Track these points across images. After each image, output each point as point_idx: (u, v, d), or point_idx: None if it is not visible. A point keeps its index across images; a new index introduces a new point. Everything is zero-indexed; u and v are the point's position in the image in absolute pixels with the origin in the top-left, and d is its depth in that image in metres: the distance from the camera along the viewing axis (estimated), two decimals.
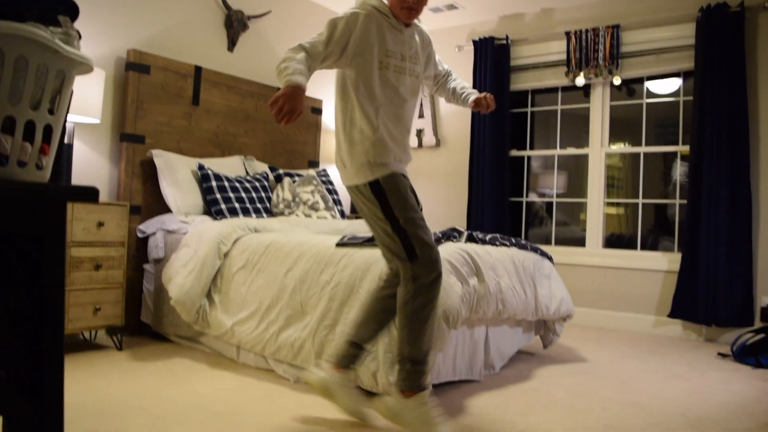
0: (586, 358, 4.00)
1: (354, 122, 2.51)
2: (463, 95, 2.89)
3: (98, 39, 4.10)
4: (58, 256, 1.19)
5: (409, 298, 2.39)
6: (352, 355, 2.61)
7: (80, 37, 1.29)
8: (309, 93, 5.73)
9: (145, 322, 4.09)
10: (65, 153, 3.57)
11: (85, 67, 1.28)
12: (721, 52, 4.76)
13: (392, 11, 2.53)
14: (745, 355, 4.05)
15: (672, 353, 4.28)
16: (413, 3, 2.49)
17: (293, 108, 2.22)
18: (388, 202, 2.45)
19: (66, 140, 3.53)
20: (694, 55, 4.96)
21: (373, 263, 2.96)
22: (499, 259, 3.36)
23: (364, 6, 2.52)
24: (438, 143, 6.31)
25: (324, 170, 5.31)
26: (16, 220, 1.13)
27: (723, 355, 4.21)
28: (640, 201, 5.45)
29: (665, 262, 5.12)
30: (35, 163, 1.20)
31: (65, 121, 1.31)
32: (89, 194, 1.11)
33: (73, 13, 1.27)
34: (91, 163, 4.09)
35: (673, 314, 4.89)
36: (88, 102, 3.68)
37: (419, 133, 6.37)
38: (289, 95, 2.22)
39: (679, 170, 5.30)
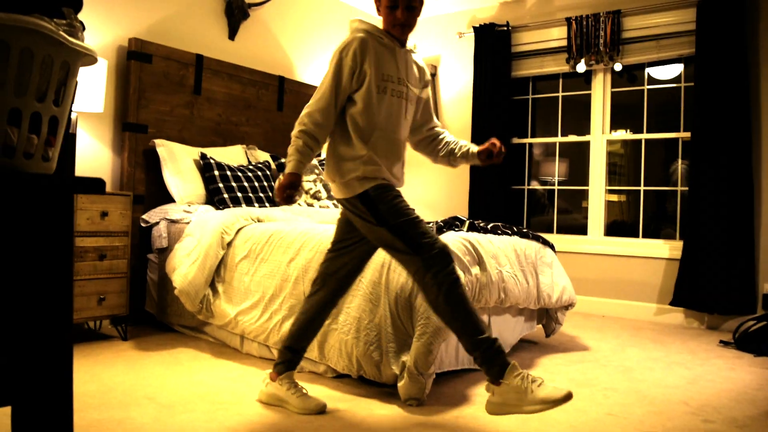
0: (588, 347, 4.02)
1: (347, 142, 2.49)
2: (465, 148, 2.75)
3: (100, 28, 4.09)
4: (66, 246, 1.19)
5: (435, 293, 2.34)
6: (290, 360, 2.66)
7: (84, 28, 1.30)
8: (311, 81, 5.72)
9: (149, 312, 4.10)
10: (69, 144, 3.57)
11: (90, 59, 1.28)
12: (722, 37, 4.74)
13: (386, 30, 2.51)
14: (746, 342, 4.07)
15: (674, 341, 4.29)
16: (404, 19, 2.45)
17: (293, 193, 2.45)
18: (378, 209, 2.45)
19: (69, 130, 3.53)
20: (695, 41, 4.95)
21: (375, 252, 2.96)
22: (501, 248, 3.37)
23: (356, 33, 2.48)
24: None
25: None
26: (24, 211, 1.13)
27: (725, 343, 4.22)
28: (642, 188, 5.45)
29: (667, 249, 5.13)
30: (41, 154, 1.21)
31: (70, 112, 1.31)
32: (96, 186, 1.11)
33: (77, 5, 1.27)
34: (94, 153, 4.09)
35: (674, 302, 4.90)
36: (90, 91, 3.68)
37: None
38: (290, 185, 2.43)
39: (679, 170, 5.29)
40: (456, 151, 2.75)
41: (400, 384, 2.68)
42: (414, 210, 2.49)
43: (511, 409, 2.27)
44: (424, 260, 2.36)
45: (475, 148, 2.71)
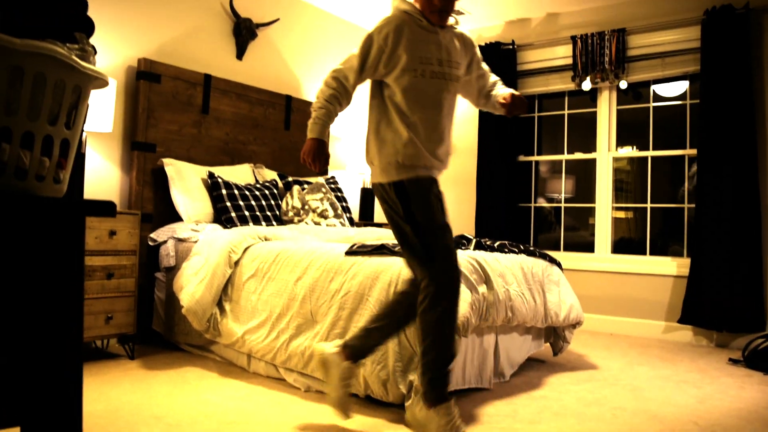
0: (596, 365, 4.00)
1: (388, 124, 2.54)
2: (493, 95, 2.80)
3: (110, 49, 4.14)
4: (77, 268, 1.20)
5: (428, 304, 2.38)
6: (362, 348, 2.61)
7: (96, 52, 1.32)
8: None
9: (157, 331, 4.10)
10: (78, 164, 3.60)
11: (101, 82, 1.30)
12: (727, 54, 4.76)
13: (424, 14, 2.52)
14: (756, 360, 4.04)
15: (683, 359, 4.27)
16: (442, 5, 2.46)
17: (317, 158, 2.52)
18: (410, 206, 2.47)
19: (80, 150, 3.56)
20: (700, 58, 4.96)
21: (382, 272, 2.97)
22: (508, 266, 3.37)
23: (395, 13, 2.52)
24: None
25: (333, 177, 5.33)
26: (36, 233, 1.14)
27: (734, 361, 4.20)
28: (649, 205, 5.45)
29: (674, 266, 5.11)
30: (53, 177, 1.22)
31: (81, 134, 1.33)
32: (107, 209, 1.12)
33: (89, 29, 1.29)
34: (102, 172, 4.12)
35: (683, 320, 4.88)
36: (99, 111, 3.71)
37: None
38: (311, 150, 2.53)
39: (686, 183, 5.29)
40: (489, 94, 2.81)
41: (407, 404, 2.68)
42: (445, 217, 2.51)
43: None
44: (433, 279, 2.38)
45: (499, 98, 2.74)
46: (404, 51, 2.46)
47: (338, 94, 2.54)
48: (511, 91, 2.76)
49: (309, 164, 2.54)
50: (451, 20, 2.61)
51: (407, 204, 2.48)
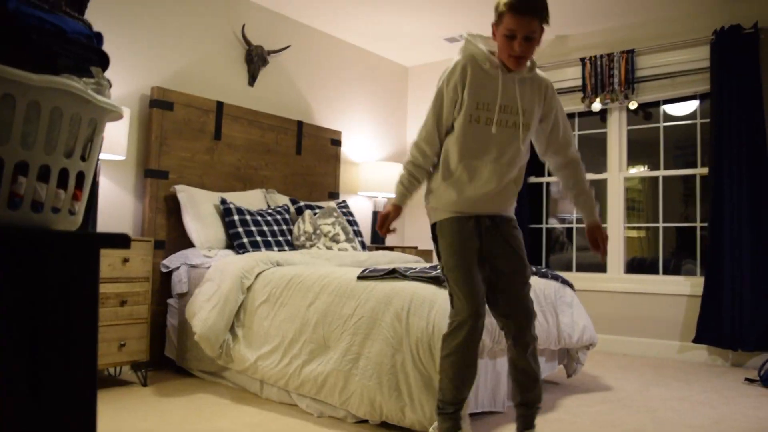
0: (611, 387, 3.97)
1: (438, 166, 2.56)
2: (583, 210, 2.68)
3: (123, 77, 4.20)
4: (92, 300, 1.22)
5: (442, 347, 2.49)
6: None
7: (111, 86, 1.34)
8: (329, 125, 5.80)
9: (169, 357, 4.11)
10: (93, 192, 3.64)
11: (116, 115, 1.32)
12: (737, 74, 4.77)
13: (499, 58, 2.44)
14: None
15: (698, 379, 4.23)
16: (520, 51, 2.35)
17: (389, 220, 2.59)
18: (438, 245, 2.57)
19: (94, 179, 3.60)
20: (709, 78, 4.97)
21: (395, 296, 2.98)
22: None
23: (463, 56, 2.49)
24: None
25: (344, 201, 5.35)
26: (51, 265, 1.16)
27: (750, 381, 4.15)
28: (661, 225, 5.43)
29: (688, 286, 5.08)
30: (68, 209, 1.24)
31: (96, 165, 1.35)
32: (121, 241, 1.14)
33: (105, 63, 1.32)
34: (116, 199, 4.17)
35: (698, 339, 4.84)
36: (113, 139, 3.76)
37: None
38: (387, 215, 2.60)
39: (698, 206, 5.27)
40: (572, 199, 2.72)
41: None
42: (467, 258, 2.47)
43: None
44: (451, 316, 2.48)
45: (585, 220, 2.67)
46: (467, 92, 2.43)
47: (415, 161, 2.59)
48: (596, 230, 2.64)
49: (379, 224, 2.63)
50: (528, 63, 2.51)
51: (436, 242, 2.59)
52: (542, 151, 2.68)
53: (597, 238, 2.61)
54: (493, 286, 2.54)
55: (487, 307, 2.51)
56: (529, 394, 2.54)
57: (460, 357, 2.43)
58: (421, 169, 2.58)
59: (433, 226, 2.59)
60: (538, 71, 2.56)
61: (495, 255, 2.53)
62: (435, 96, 2.52)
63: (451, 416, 2.47)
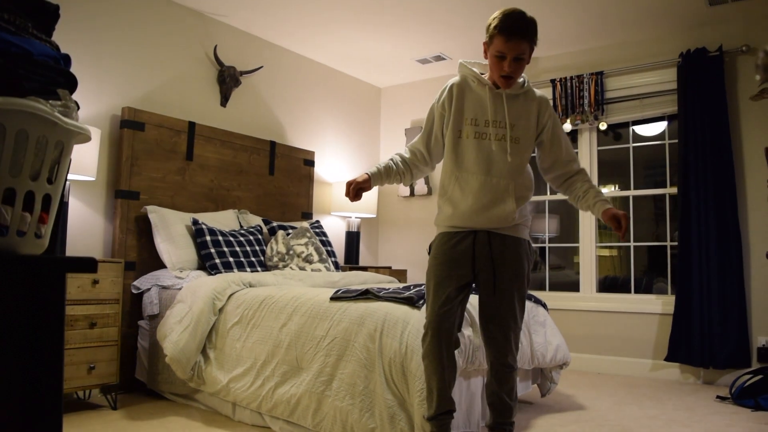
0: (584, 406, 3.98)
1: (441, 182, 2.67)
2: (594, 202, 2.59)
3: (93, 97, 4.17)
4: (57, 323, 1.20)
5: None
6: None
7: (78, 108, 1.33)
8: (302, 145, 5.80)
9: (140, 380, 4.05)
10: (61, 213, 3.60)
11: (83, 137, 1.31)
12: (703, 95, 4.87)
13: (489, 78, 2.53)
14: (743, 397, 4.04)
15: (671, 397, 4.26)
16: (510, 71, 2.44)
17: (352, 186, 2.65)
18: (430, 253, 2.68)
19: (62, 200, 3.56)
20: (677, 99, 5.07)
21: (368, 317, 2.97)
22: None
23: (456, 78, 2.63)
24: (430, 191, 6.35)
25: (317, 222, 5.34)
26: (16, 289, 1.14)
27: (722, 398, 4.20)
28: (632, 244, 5.49)
29: (659, 304, 5.13)
30: (34, 232, 1.22)
31: (64, 187, 1.34)
32: (87, 266, 1.12)
33: (72, 85, 1.31)
34: (86, 220, 4.11)
35: (669, 357, 4.88)
36: (83, 160, 3.72)
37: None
38: (359, 183, 2.66)
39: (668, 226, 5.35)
40: (581, 200, 2.65)
41: None
42: (443, 271, 2.54)
43: None
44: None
45: (600, 208, 2.56)
46: (456, 111, 2.56)
47: (405, 156, 2.75)
48: (614, 210, 2.52)
49: (347, 189, 2.67)
50: (521, 79, 2.58)
51: (430, 251, 2.68)
52: (548, 166, 2.69)
53: (620, 219, 2.49)
54: (481, 302, 2.61)
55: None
56: (500, 417, 2.58)
57: (428, 362, 2.52)
58: (404, 162, 2.74)
59: (434, 240, 2.68)
60: (535, 89, 2.64)
61: (480, 270, 2.55)
62: (428, 113, 2.69)
63: (435, 429, 2.52)
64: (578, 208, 2.76)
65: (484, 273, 2.54)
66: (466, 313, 3.04)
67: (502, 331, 2.54)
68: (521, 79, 2.57)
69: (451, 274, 2.52)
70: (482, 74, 2.57)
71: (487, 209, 2.52)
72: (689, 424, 3.53)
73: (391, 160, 2.74)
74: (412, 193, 6.41)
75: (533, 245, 2.74)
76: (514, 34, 2.39)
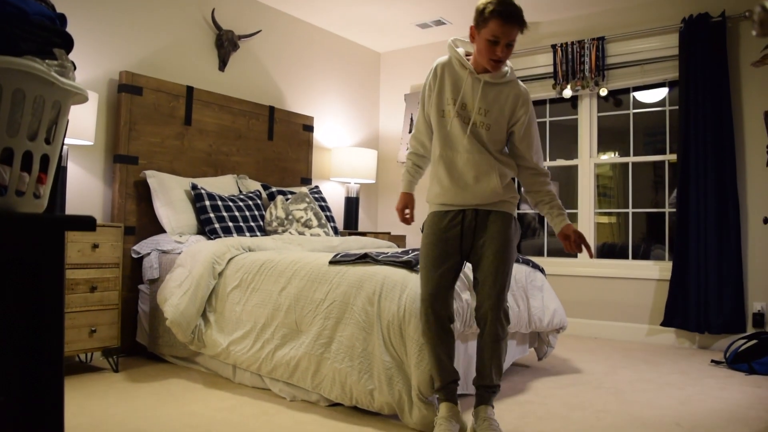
0: (580, 369, 4.03)
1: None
2: (552, 214, 2.71)
3: (91, 62, 4.14)
4: (57, 283, 1.21)
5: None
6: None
7: (75, 68, 1.33)
8: (301, 110, 5.78)
9: (141, 343, 4.09)
10: (60, 176, 3.60)
11: (81, 97, 1.31)
12: (705, 61, 4.83)
13: (476, 60, 2.58)
14: (738, 361, 4.09)
15: (665, 362, 4.31)
16: (503, 56, 2.51)
17: (400, 208, 2.87)
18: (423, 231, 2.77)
19: (60, 164, 3.56)
20: (678, 65, 5.04)
21: (366, 280, 2.99)
22: None
23: (448, 51, 2.69)
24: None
25: (316, 187, 5.34)
26: (15, 249, 1.15)
27: (716, 362, 4.25)
28: (630, 210, 5.50)
29: (657, 270, 5.16)
30: (33, 192, 1.23)
31: (61, 149, 1.34)
32: (87, 224, 1.13)
33: (68, 45, 1.30)
34: (85, 185, 4.11)
35: (665, 323, 4.92)
36: (81, 124, 3.71)
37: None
38: (404, 205, 2.88)
39: (672, 202, 5.35)
40: (544, 205, 2.74)
41: (413, 415, 2.70)
42: (434, 248, 2.65)
43: None
44: None
45: (560, 226, 2.68)
46: (438, 91, 2.64)
47: (414, 149, 2.85)
48: (570, 226, 2.68)
49: (402, 217, 2.89)
50: (506, 68, 2.64)
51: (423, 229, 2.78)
52: (514, 155, 2.77)
53: (579, 238, 2.66)
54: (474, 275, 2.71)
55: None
56: (483, 380, 2.65)
57: (426, 339, 2.63)
58: (422, 158, 2.85)
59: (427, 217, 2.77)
60: (519, 81, 2.70)
61: (468, 247, 2.67)
62: (421, 92, 2.75)
63: (442, 397, 2.62)
64: (533, 208, 2.86)
65: (473, 248, 2.66)
66: (464, 277, 3.07)
67: (489, 302, 2.59)
68: (506, 68, 2.65)
69: (442, 255, 2.64)
70: (468, 55, 2.65)
71: (472, 186, 2.62)
72: (683, 387, 3.58)
73: (408, 173, 2.89)
74: None
75: (519, 224, 2.83)
76: (511, 19, 2.45)
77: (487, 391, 2.64)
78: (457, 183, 2.62)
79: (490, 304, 2.58)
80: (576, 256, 5.56)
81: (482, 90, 2.59)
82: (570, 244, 2.66)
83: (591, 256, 2.68)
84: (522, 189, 2.86)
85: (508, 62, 2.66)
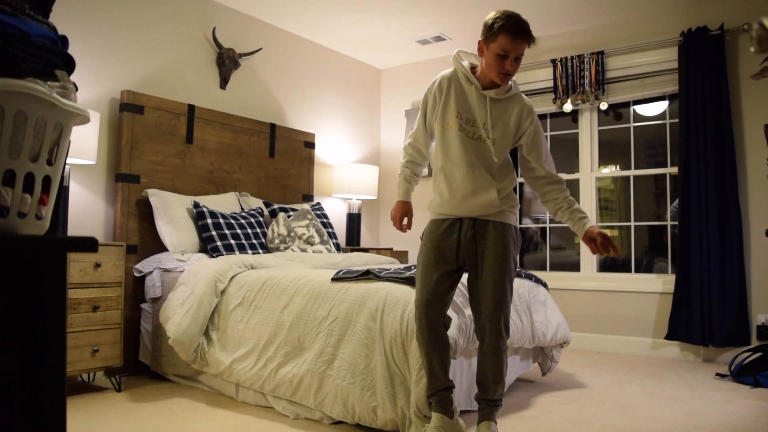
0: (584, 384, 4.01)
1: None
2: (574, 219, 2.70)
3: (92, 81, 4.16)
4: (59, 303, 1.21)
5: None
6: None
7: (77, 89, 1.33)
8: (302, 127, 5.79)
9: (144, 362, 4.08)
10: (62, 196, 3.61)
11: (82, 118, 1.31)
12: (704, 74, 4.85)
13: (483, 73, 2.60)
14: (743, 374, 4.07)
15: (670, 375, 4.29)
16: (512, 69, 2.53)
17: (399, 216, 2.83)
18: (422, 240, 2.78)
19: (62, 183, 3.57)
20: (678, 78, 5.05)
21: (369, 297, 2.99)
22: None
23: (453, 64, 2.71)
24: (430, 173, 6.34)
25: (318, 204, 5.34)
26: (17, 270, 1.15)
27: (721, 376, 4.22)
28: (632, 224, 5.50)
29: (660, 283, 5.15)
30: (35, 213, 1.23)
31: (63, 169, 1.34)
32: (88, 245, 1.13)
33: (70, 66, 1.31)
34: (87, 204, 4.12)
35: (669, 336, 4.90)
36: (83, 143, 3.72)
37: None
38: (401, 213, 2.83)
39: (672, 212, 5.35)
40: (563, 211, 2.73)
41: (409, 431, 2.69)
42: (430, 256, 2.65)
43: None
44: None
45: (585, 227, 2.65)
46: (444, 104, 2.65)
47: (411, 158, 2.84)
48: (594, 228, 2.64)
49: (394, 222, 2.85)
50: (509, 83, 2.65)
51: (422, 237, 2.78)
52: (526, 167, 2.79)
53: (605, 239, 2.61)
54: (469, 285, 2.70)
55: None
56: (485, 394, 2.64)
57: (420, 345, 2.63)
58: (418, 165, 2.86)
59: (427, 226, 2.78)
60: (523, 95, 2.72)
61: (466, 256, 2.66)
62: (422, 102, 2.76)
63: (434, 406, 2.61)
64: (553, 217, 2.82)
65: (470, 259, 2.65)
66: (465, 291, 3.06)
67: (487, 312, 2.58)
68: (510, 83, 2.66)
69: (438, 261, 2.64)
70: (472, 68, 2.67)
71: (469, 199, 2.63)
72: (688, 401, 3.56)
73: (406, 180, 2.86)
74: None
75: (520, 234, 2.83)
76: (520, 33, 2.48)
77: (488, 405, 2.62)
78: (455, 195, 2.64)
79: (488, 315, 2.57)
80: (605, 259, 5.55)
81: (490, 105, 2.61)
82: (596, 246, 2.61)
83: (618, 256, 2.68)
84: (540, 200, 2.85)
85: (513, 80, 2.67)
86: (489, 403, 2.62)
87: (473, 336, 2.98)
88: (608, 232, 5.96)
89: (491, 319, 2.57)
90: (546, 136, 5.86)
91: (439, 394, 2.59)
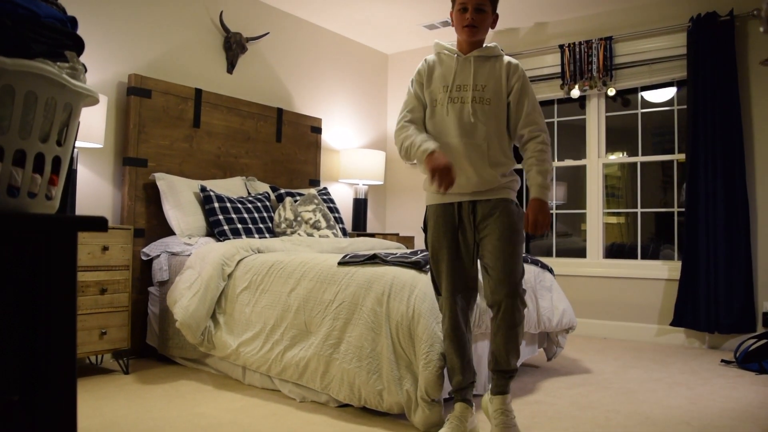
0: (590, 369, 4.02)
1: None
2: (530, 182, 2.68)
3: (100, 65, 4.16)
4: (70, 283, 1.22)
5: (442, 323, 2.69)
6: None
7: (86, 70, 1.34)
8: (309, 112, 5.79)
9: (151, 345, 4.11)
10: (70, 180, 3.62)
11: (92, 100, 1.32)
12: (713, 61, 4.82)
13: (459, 40, 2.66)
14: (748, 361, 4.07)
15: (675, 361, 4.30)
16: (472, 20, 2.55)
17: (440, 171, 2.41)
18: (426, 231, 2.73)
19: (71, 166, 3.58)
20: (686, 64, 5.02)
21: (375, 281, 2.99)
22: None
23: (434, 49, 2.76)
24: None
25: (325, 189, 5.35)
26: (28, 250, 1.16)
27: (726, 362, 4.23)
28: (639, 210, 5.49)
29: (666, 270, 5.15)
30: (45, 194, 1.24)
31: (73, 151, 1.35)
32: (99, 224, 1.14)
33: (79, 48, 1.31)
34: (94, 188, 4.14)
35: (675, 322, 4.91)
36: (90, 127, 3.73)
37: None
38: (433, 164, 2.43)
39: (682, 192, 5.33)
40: (526, 175, 2.71)
41: (417, 415, 2.69)
42: (440, 243, 2.62)
43: None
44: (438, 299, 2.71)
45: (532, 192, 2.64)
46: (429, 84, 2.67)
47: (413, 120, 2.67)
48: (536, 203, 2.61)
49: (439, 186, 2.44)
50: (492, 44, 2.67)
51: (426, 229, 2.73)
52: (512, 128, 2.70)
53: (536, 220, 2.58)
54: (482, 266, 2.62)
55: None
56: (499, 363, 2.58)
57: (449, 342, 2.61)
58: (416, 126, 2.65)
59: (426, 210, 2.74)
60: (510, 58, 2.71)
61: (475, 238, 2.62)
62: (408, 87, 2.77)
63: (456, 399, 2.63)
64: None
65: (477, 239, 2.62)
66: None
67: (503, 287, 2.51)
68: (493, 44, 2.67)
69: (449, 245, 2.61)
70: (452, 44, 2.71)
71: (466, 171, 2.57)
72: (693, 387, 3.57)
73: (420, 131, 2.63)
74: None
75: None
76: None
77: (504, 377, 2.58)
78: (468, 165, 2.57)
79: (506, 291, 2.49)
80: (611, 245, 5.55)
81: (474, 66, 2.62)
82: (527, 223, 2.59)
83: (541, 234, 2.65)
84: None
85: (496, 43, 2.68)
86: (504, 374, 2.58)
87: (479, 320, 3.00)
88: (614, 219, 5.95)
89: (509, 294, 2.50)
90: (553, 122, 5.89)
91: (466, 389, 2.62)
